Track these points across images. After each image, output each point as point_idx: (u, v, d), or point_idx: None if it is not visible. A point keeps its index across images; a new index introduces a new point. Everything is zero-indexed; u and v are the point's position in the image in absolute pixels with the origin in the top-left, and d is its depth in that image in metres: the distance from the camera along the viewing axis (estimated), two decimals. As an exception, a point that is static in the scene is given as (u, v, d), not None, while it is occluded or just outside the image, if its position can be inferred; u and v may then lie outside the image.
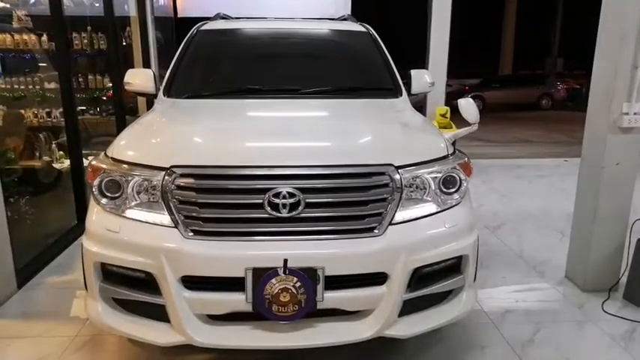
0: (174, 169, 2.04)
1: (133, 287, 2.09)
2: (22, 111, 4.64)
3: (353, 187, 2.07)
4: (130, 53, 6.43)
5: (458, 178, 2.23)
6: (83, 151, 4.44)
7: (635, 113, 2.91)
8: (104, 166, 2.14)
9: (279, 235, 2.03)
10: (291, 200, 1.99)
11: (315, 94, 3.00)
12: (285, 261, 1.94)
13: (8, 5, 4.38)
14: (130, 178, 2.08)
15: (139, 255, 2.02)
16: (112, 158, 2.17)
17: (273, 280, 1.94)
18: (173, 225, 2.03)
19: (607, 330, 2.77)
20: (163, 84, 3.18)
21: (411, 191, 2.14)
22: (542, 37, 28.42)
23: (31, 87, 4.70)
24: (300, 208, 2.00)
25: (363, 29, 3.69)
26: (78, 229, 4.13)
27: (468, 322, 2.79)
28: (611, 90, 2.91)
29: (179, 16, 7.48)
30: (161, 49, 6.95)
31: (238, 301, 1.99)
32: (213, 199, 2.04)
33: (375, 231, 2.06)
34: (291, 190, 2.00)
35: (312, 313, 2.01)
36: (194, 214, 2.02)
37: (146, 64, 6.55)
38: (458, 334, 2.71)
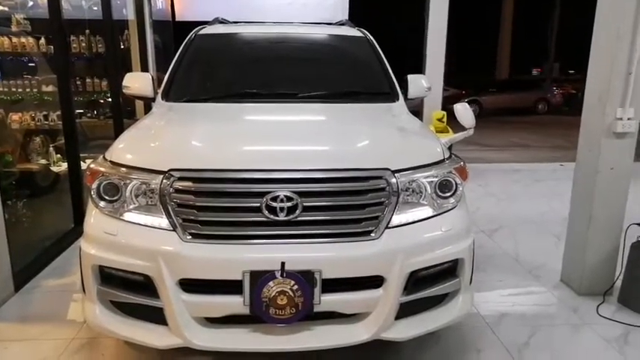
0: (172, 173, 2.05)
1: (130, 290, 2.09)
2: (20, 114, 4.64)
3: (350, 191, 2.08)
4: (128, 57, 6.45)
5: (454, 182, 2.24)
6: (81, 154, 4.45)
7: (628, 118, 2.94)
8: (102, 169, 2.15)
9: (276, 239, 2.04)
10: (289, 204, 2.01)
11: (312, 99, 3.02)
12: (283, 264, 1.95)
13: (7, 9, 4.39)
14: (128, 182, 2.09)
15: (137, 258, 2.03)
16: (110, 161, 2.18)
17: (271, 283, 1.95)
18: (171, 228, 2.04)
19: (602, 333, 2.79)
20: (162, 88, 3.20)
21: (408, 195, 2.15)
22: (538, 42, 28.55)
23: (28, 90, 4.71)
24: (298, 211, 2.02)
25: (360, 34, 3.71)
26: (75, 232, 4.13)
27: (464, 325, 2.80)
28: (606, 95, 2.94)
29: (177, 20, 7.51)
30: (159, 53, 6.97)
31: (236, 303, 2.00)
32: (211, 203, 2.05)
33: (372, 234, 2.08)
34: (288, 194, 2.01)
35: (309, 315, 2.02)
36: (192, 218, 2.03)
37: (144, 68, 6.57)
38: (454, 337, 2.73)
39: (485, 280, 3.45)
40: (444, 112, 6.36)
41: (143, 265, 2.02)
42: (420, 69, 6.81)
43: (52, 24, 4.12)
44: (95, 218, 2.16)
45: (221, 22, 3.97)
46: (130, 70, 6.24)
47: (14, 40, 4.45)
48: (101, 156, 2.27)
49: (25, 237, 3.85)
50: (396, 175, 2.12)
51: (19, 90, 4.66)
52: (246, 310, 2.00)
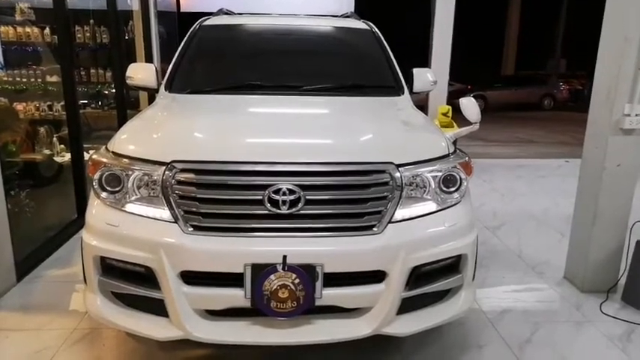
0: (174, 164, 2.04)
1: (132, 281, 2.09)
2: (24, 104, 4.64)
3: (353, 185, 2.07)
4: (133, 47, 6.43)
5: (458, 177, 2.22)
6: (84, 145, 4.44)
7: (636, 115, 2.90)
8: (105, 160, 2.14)
9: (278, 232, 2.03)
10: (291, 197, 1.99)
11: (316, 91, 3.00)
12: (285, 257, 1.94)
13: (11, -3, 4.38)
14: (130, 173, 2.09)
15: (139, 249, 2.02)
16: (112, 152, 2.18)
17: (272, 277, 1.94)
18: (173, 220, 2.03)
19: (605, 331, 2.77)
20: (165, 79, 3.18)
21: (411, 190, 2.14)
22: (545, 37, 28.32)
23: (33, 80, 4.71)
24: (300, 204, 2.00)
25: (365, 27, 3.68)
26: (78, 222, 4.13)
27: (466, 321, 2.80)
28: (614, 91, 2.90)
29: (182, 10, 7.50)
30: (163, 44, 6.96)
31: (237, 296, 2.00)
32: (213, 195, 2.03)
33: (375, 229, 2.06)
34: (291, 187, 2.00)
35: (310, 309, 2.01)
36: (194, 210, 2.02)
37: (148, 59, 6.55)
38: (456, 332, 2.72)
39: (488, 276, 3.44)
40: (449, 107, 6.32)
41: (144, 257, 2.02)
42: (426, 62, 6.77)
43: (57, 13, 4.10)
44: (97, 209, 2.15)
45: (226, 14, 3.94)
46: (134, 60, 6.22)
47: (18, 29, 4.44)
48: (104, 147, 2.27)
49: (27, 227, 3.85)
50: (399, 169, 2.10)
51: (24, 80, 4.65)
52: (247, 303, 1.99)
